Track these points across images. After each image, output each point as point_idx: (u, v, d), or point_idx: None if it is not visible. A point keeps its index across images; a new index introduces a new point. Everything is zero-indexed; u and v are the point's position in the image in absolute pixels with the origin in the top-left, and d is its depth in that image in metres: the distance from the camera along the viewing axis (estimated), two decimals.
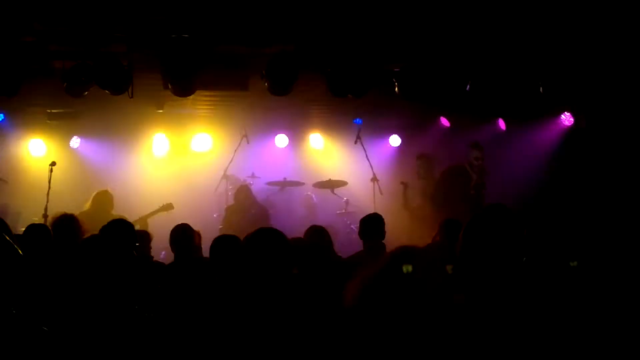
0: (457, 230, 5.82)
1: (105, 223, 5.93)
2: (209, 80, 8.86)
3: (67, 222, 6.85)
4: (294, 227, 10.84)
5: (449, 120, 12.02)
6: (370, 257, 6.52)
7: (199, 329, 4.07)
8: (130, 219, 8.53)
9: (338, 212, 11.72)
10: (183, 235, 6.53)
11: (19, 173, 11.64)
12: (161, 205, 10.48)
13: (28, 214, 10.27)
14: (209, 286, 5.37)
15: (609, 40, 8.41)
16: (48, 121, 11.35)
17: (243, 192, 10.93)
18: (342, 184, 11.39)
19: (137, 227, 9.82)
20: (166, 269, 6.49)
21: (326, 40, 8.39)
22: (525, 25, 7.98)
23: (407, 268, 3.73)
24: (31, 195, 10.75)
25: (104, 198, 10.27)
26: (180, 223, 6.70)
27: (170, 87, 8.73)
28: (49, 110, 11.12)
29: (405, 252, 3.85)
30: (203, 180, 11.92)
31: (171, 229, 6.82)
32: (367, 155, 11.13)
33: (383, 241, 6.82)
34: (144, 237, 6.82)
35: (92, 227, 7.17)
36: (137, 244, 5.85)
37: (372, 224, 6.78)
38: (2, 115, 11.32)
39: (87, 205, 10.22)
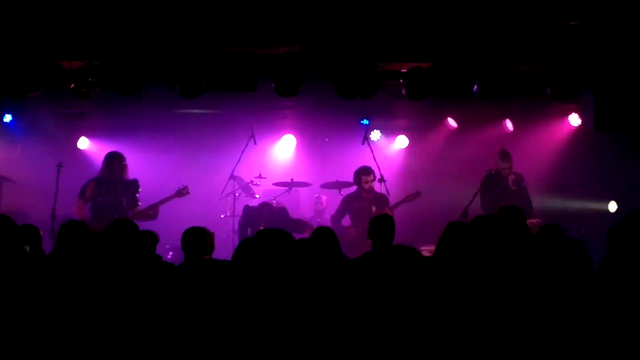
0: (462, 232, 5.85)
1: None
2: (216, 81, 8.88)
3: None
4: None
5: (456, 121, 12.02)
6: (378, 257, 6.50)
7: (207, 328, 4.07)
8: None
9: None
10: (196, 238, 6.52)
11: (27, 174, 11.66)
12: (176, 190, 10.36)
13: (36, 214, 10.28)
14: (218, 287, 5.36)
15: (617, 39, 8.39)
16: (55, 122, 11.38)
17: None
18: (349, 184, 11.38)
19: (150, 212, 9.90)
20: (176, 270, 6.49)
21: (333, 41, 8.39)
22: (533, 25, 7.97)
23: None
24: (39, 196, 10.77)
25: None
26: (194, 226, 6.69)
27: (178, 88, 8.76)
28: (56, 111, 11.17)
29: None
30: (210, 181, 11.94)
31: (178, 229, 6.82)
32: (374, 156, 11.12)
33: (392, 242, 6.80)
34: (151, 237, 6.80)
35: None
36: (142, 245, 5.83)
37: (382, 225, 6.76)
38: (10, 115, 11.36)
39: None
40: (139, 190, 10.13)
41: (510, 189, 10.51)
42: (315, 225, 10.64)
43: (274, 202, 11.10)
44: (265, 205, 10.52)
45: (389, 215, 7.22)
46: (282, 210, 10.64)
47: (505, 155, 10.67)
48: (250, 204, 10.75)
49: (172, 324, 4.52)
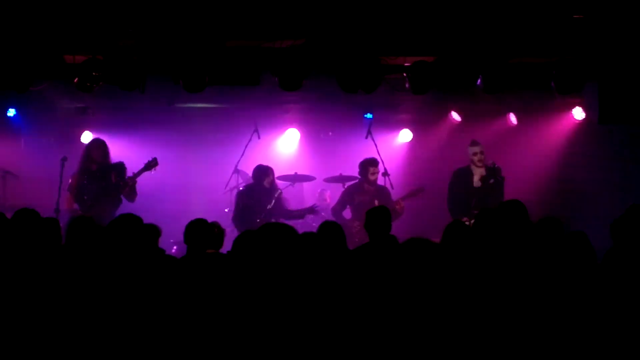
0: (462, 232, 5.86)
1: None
2: (220, 75, 8.88)
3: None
4: (306, 222, 10.87)
5: (460, 115, 12.01)
6: (376, 248, 6.52)
7: (208, 321, 4.08)
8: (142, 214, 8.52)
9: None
10: (199, 231, 6.53)
11: (31, 168, 11.68)
12: (145, 162, 10.23)
13: (40, 209, 10.28)
14: (219, 280, 5.37)
15: (621, 33, 8.38)
16: (59, 116, 11.40)
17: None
18: (353, 179, 11.39)
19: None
20: (178, 263, 6.50)
21: (337, 35, 8.39)
22: (537, 19, 7.96)
23: None
24: (43, 190, 10.78)
25: None
26: (197, 218, 6.70)
27: (181, 82, 8.76)
28: (60, 105, 11.18)
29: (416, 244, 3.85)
30: (214, 175, 11.95)
31: (182, 223, 6.83)
32: (377, 150, 11.12)
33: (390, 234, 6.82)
34: (153, 231, 6.79)
35: None
36: (144, 238, 5.84)
37: (377, 216, 6.79)
38: (14, 110, 11.38)
39: None
40: (125, 171, 10.08)
41: (473, 187, 10.41)
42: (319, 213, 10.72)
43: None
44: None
45: (385, 207, 7.24)
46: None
47: (472, 143, 10.62)
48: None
49: (173, 316, 4.53)
